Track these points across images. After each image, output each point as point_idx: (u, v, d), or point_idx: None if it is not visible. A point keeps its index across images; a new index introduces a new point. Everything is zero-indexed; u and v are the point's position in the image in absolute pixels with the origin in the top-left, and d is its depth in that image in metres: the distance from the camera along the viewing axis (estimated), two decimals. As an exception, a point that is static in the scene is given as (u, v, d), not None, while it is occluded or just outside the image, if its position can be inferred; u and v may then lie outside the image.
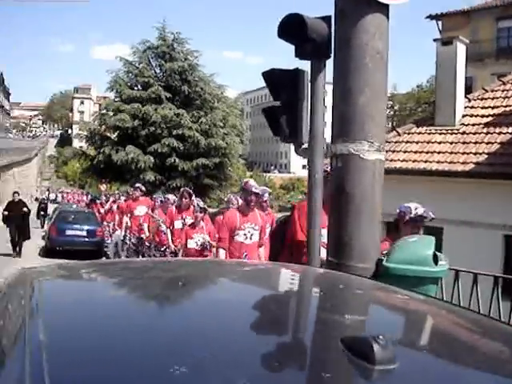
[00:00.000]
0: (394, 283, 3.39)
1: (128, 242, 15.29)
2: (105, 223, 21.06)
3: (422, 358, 1.43)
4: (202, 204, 10.25)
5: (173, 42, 30.84)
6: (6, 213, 19.29)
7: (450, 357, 1.45)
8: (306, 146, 5.20)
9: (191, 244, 9.59)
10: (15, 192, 20.89)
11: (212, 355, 1.28)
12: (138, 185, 15.74)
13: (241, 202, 8.52)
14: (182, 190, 11.83)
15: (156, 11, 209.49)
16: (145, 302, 1.88)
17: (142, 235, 13.65)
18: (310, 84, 5.06)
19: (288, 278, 2.51)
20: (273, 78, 5.34)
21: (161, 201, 13.27)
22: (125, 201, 17.58)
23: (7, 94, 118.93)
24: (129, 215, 15.25)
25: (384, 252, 3.96)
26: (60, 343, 1.35)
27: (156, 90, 28.86)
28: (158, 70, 31.24)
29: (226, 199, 11.38)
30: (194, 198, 11.32)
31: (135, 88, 30.50)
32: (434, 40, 14.64)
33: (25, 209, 19.48)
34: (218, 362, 1.26)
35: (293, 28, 4.83)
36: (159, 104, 28.79)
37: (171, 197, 12.87)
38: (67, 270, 2.48)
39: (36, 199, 36.45)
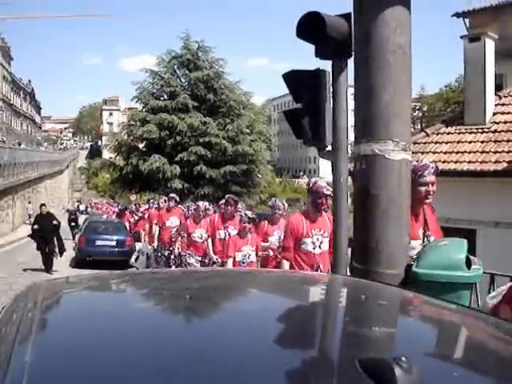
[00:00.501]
0: (425, 289, 3.20)
1: (159, 254, 14.63)
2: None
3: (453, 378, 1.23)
4: (250, 214, 9.77)
5: (197, 50, 31.01)
6: (36, 226, 17.69)
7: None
8: (329, 148, 5.05)
9: (239, 257, 8.85)
10: (42, 204, 19.74)
11: (225, 364, 1.23)
12: (172, 195, 15.22)
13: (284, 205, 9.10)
14: (226, 197, 10.57)
15: (180, 22, 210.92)
16: (153, 315, 1.74)
17: (172, 247, 13.17)
18: (331, 85, 4.91)
19: (311, 287, 2.37)
20: (294, 79, 5.19)
21: (194, 209, 12.84)
22: (157, 210, 16.45)
23: (38, 109, 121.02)
24: (159, 225, 14.63)
25: (413, 257, 3.76)
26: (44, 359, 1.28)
27: (183, 99, 28.96)
28: (183, 80, 31.44)
29: (270, 204, 10.07)
30: (239, 205, 10.74)
31: (161, 98, 30.66)
32: (461, 37, 14.27)
33: (54, 222, 18.12)
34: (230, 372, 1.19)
35: (312, 27, 4.67)
36: (186, 113, 28.92)
37: (201, 203, 11.83)
38: (76, 283, 2.40)
39: (67, 210, 36.38)
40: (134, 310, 1.80)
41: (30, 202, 46.96)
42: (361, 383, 1.11)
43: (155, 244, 14.80)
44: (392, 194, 3.62)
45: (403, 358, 1.08)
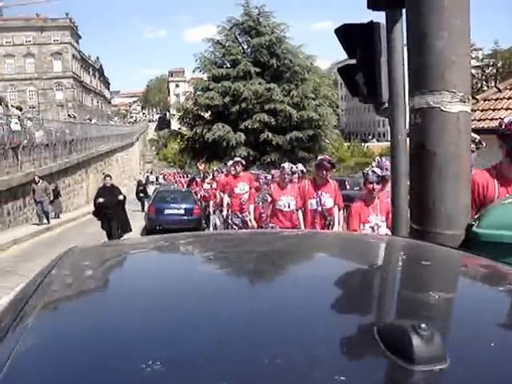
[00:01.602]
0: (488, 252, 2.96)
1: (230, 222, 13.59)
2: (203, 203, 20.98)
3: (491, 357, 1.02)
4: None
5: (258, 16, 30.63)
6: (101, 200, 15.44)
7: None
8: (386, 105, 4.81)
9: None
10: (106, 175, 17.20)
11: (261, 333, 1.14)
12: (237, 159, 13.83)
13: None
14: (320, 158, 8.91)
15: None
16: (206, 280, 1.60)
17: (244, 214, 12.43)
18: (386, 38, 4.64)
19: (364, 249, 2.22)
20: (346, 34, 4.96)
21: (272, 175, 11.97)
22: (225, 176, 15.03)
23: (107, 84, 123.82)
24: (228, 193, 13.43)
25: (475, 216, 3.51)
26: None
27: (245, 66, 28.83)
28: (245, 46, 31.19)
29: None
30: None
31: (224, 66, 30.58)
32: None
33: (120, 196, 16.01)
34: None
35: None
36: (249, 80, 28.78)
37: (287, 165, 9.70)
38: (118, 246, 2.36)
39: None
40: (179, 275, 1.69)
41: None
42: (375, 352, 0.96)
43: (224, 213, 13.71)
44: (450, 149, 3.35)
45: (423, 325, 0.91)
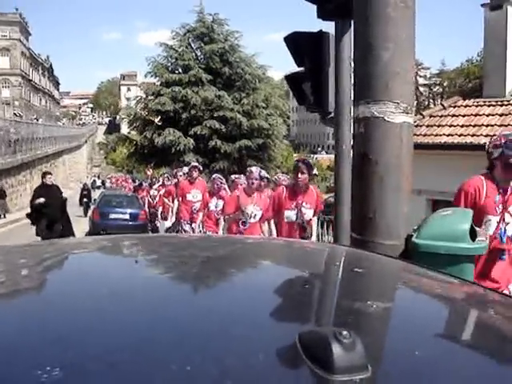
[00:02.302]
0: (425, 262, 2.98)
1: (180, 229, 12.77)
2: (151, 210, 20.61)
3: (414, 366, 0.98)
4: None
5: (212, 23, 30.62)
6: (41, 200, 12.93)
7: (460, 365, 1.02)
8: (332, 114, 4.83)
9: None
10: (47, 173, 14.62)
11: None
12: (195, 164, 13.18)
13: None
14: (295, 160, 8.25)
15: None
16: (131, 285, 1.52)
17: (193, 224, 12.11)
18: (334, 48, 4.67)
19: (305, 256, 2.19)
20: (295, 42, 4.96)
21: (233, 180, 10.96)
22: (175, 185, 14.48)
23: (57, 84, 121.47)
24: (178, 198, 12.72)
25: (414, 228, 3.54)
26: None
27: (196, 73, 28.79)
28: (198, 53, 31.15)
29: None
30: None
31: (176, 72, 30.44)
32: (482, 5, 13.76)
33: (63, 196, 14.23)
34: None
35: (313, -15, 4.44)
36: (200, 86, 28.70)
37: (255, 169, 8.59)
38: (36, 247, 2.21)
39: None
40: (102, 276, 1.58)
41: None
42: (295, 361, 0.91)
43: (172, 220, 13.21)
44: (391, 159, 3.37)
45: (344, 332, 0.87)
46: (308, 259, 2.16)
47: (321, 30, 4.81)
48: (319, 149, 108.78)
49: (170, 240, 2.67)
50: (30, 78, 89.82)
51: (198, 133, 27.73)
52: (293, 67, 5.27)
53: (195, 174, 12.30)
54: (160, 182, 20.44)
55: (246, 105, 28.82)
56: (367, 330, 1.16)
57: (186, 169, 15.32)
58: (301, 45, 4.90)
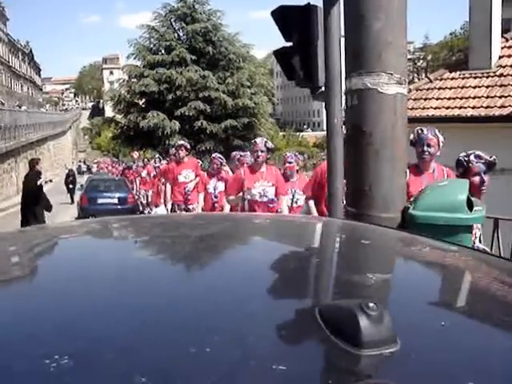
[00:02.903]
0: (424, 233, 2.97)
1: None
2: (142, 192, 20.19)
3: (443, 338, 0.95)
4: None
5: (193, 2, 30.28)
6: (44, 180, 13.17)
7: (486, 335, 1.00)
8: (323, 89, 4.76)
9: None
10: (33, 160, 14.43)
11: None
12: (181, 142, 11.92)
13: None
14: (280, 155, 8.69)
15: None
16: (133, 265, 1.49)
17: (191, 206, 10.92)
18: (323, 21, 4.59)
19: (301, 230, 2.15)
20: (283, 16, 4.86)
21: (234, 157, 10.33)
22: (167, 163, 13.55)
23: (38, 70, 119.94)
24: (169, 182, 11.56)
25: (411, 199, 3.52)
26: None
27: (180, 53, 28.57)
28: (181, 33, 30.86)
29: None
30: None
31: (159, 53, 30.17)
32: (466, -23, 13.68)
33: (39, 181, 13.27)
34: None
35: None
36: (184, 67, 28.50)
37: (260, 140, 7.64)
38: (39, 231, 2.17)
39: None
40: (101, 259, 1.54)
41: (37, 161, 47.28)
42: (318, 336, 0.87)
43: (168, 206, 11.71)
44: (386, 131, 3.34)
45: (371, 304, 0.83)
46: (311, 233, 2.13)
47: (308, 3, 4.72)
48: (305, 126, 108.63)
49: (166, 220, 2.63)
50: (10, 64, 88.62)
51: (184, 114, 27.57)
52: (275, 45, 5.19)
53: (182, 153, 11.19)
54: (156, 164, 19.11)
55: (231, 84, 28.69)
56: (387, 302, 1.12)
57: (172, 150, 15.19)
58: (288, 19, 4.81)
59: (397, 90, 3.32)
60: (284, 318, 1.00)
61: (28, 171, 13.55)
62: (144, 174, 19.61)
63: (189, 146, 11.56)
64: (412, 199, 3.52)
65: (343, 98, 4.22)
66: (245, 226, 2.20)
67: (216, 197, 10.11)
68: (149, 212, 16.78)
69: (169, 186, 11.56)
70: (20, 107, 56.49)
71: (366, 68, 3.31)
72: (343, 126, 4.37)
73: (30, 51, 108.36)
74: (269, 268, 1.45)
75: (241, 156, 9.73)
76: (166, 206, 12.04)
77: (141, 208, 19.59)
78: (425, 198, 3.40)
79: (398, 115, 3.37)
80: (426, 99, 13.30)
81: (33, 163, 13.59)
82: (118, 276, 1.30)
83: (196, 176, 10.93)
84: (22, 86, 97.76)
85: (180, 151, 11.17)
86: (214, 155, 10.79)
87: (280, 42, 5.08)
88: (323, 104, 5.00)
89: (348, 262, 1.54)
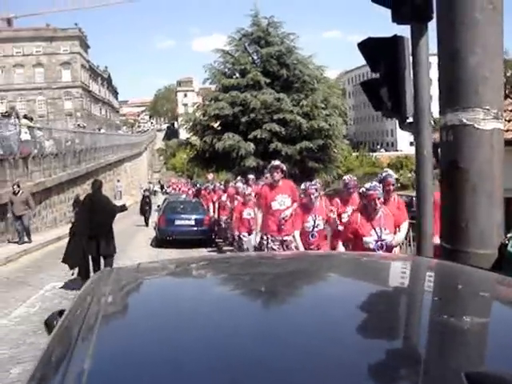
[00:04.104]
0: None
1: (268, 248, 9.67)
2: (223, 218, 18.39)
3: None
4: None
5: (267, 26, 30.61)
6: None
7: None
8: (410, 119, 4.73)
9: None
10: (96, 181, 12.40)
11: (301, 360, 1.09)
12: (276, 163, 9.73)
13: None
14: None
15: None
16: (227, 305, 1.59)
17: (287, 237, 9.26)
18: (411, 51, 4.58)
19: (398, 271, 2.15)
20: (370, 48, 4.88)
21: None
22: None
23: (115, 93, 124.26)
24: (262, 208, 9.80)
25: (508, 235, 3.44)
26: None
27: (254, 76, 28.81)
28: (255, 57, 31.15)
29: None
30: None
31: (233, 76, 30.61)
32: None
33: (111, 206, 11.97)
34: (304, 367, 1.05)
35: (388, -11, 4.37)
36: (258, 90, 28.74)
37: (348, 178, 9.05)
38: (148, 269, 2.34)
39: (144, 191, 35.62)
40: (204, 298, 1.68)
41: (119, 181, 49.26)
42: None
43: (257, 238, 9.95)
44: (482, 167, 3.29)
45: None
46: (416, 277, 2.11)
47: (395, 34, 4.72)
48: (378, 146, 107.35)
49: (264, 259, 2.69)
50: (90, 89, 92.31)
51: (258, 136, 27.76)
52: (347, 65, 5.19)
53: (277, 175, 9.42)
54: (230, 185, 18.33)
55: (305, 106, 28.69)
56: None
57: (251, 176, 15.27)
58: (376, 50, 4.82)
59: (493, 126, 3.28)
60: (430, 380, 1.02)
61: (93, 192, 11.93)
62: (224, 197, 18.27)
63: (285, 168, 9.81)
64: (509, 235, 3.44)
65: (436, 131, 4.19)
66: (343, 266, 2.21)
67: (313, 236, 8.46)
68: (233, 239, 15.54)
69: (260, 215, 9.92)
70: (100, 130, 58.57)
71: (462, 103, 3.28)
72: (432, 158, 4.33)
73: (109, 76, 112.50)
74: (382, 320, 1.45)
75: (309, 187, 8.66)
76: (255, 234, 10.41)
77: (222, 233, 18.70)
78: (524, 235, 3.32)
79: (495, 150, 3.32)
80: (509, 121, 12.92)
81: (97, 185, 12.04)
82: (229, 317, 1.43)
83: (293, 202, 9.35)
84: (100, 109, 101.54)
85: (275, 173, 9.41)
86: (306, 185, 8.66)
87: (352, 62, 5.10)
88: (397, 123, 4.97)
89: (462, 312, 1.51)
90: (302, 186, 8.70)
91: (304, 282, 1.89)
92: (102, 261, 11.00)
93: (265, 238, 9.56)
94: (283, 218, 9.34)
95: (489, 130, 3.26)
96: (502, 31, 3.31)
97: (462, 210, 3.34)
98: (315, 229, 8.44)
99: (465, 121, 3.26)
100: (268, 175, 10.39)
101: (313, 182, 8.94)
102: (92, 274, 9.55)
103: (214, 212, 20.24)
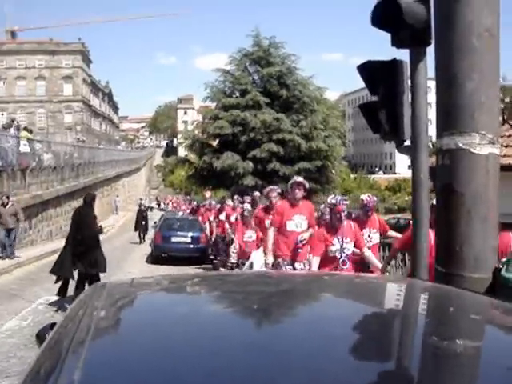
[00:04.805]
0: (516, 296, 2.88)
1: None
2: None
3: None
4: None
5: (268, 47, 30.85)
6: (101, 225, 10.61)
7: None
8: (408, 143, 4.76)
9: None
10: (87, 195, 11.77)
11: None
12: (299, 179, 8.47)
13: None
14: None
15: (253, 18, 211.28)
16: (220, 323, 1.60)
17: (299, 264, 8.18)
18: (410, 75, 4.62)
19: (392, 294, 2.16)
20: (369, 71, 4.93)
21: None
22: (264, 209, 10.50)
23: (116, 109, 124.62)
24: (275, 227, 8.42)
25: (503, 260, 3.45)
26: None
27: (254, 96, 28.97)
28: (255, 77, 31.36)
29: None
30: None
31: (233, 96, 30.76)
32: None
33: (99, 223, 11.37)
34: None
35: (387, 14, 4.42)
36: (258, 110, 28.89)
37: (365, 197, 8.34)
38: (141, 285, 2.33)
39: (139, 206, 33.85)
40: (195, 315, 1.69)
41: (117, 196, 49.44)
42: None
43: (270, 260, 8.41)
44: (478, 191, 3.31)
45: None
46: (410, 299, 2.12)
47: (395, 58, 4.77)
48: (376, 169, 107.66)
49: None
50: (91, 103, 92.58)
51: (257, 156, 27.86)
52: (347, 88, 5.24)
53: (299, 193, 8.20)
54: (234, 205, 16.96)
55: (305, 127, 28.83)
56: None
57: (247, 198, 14.73)
58: (375, 73, 4.87)
59: (489, 151, 3.30)
60: None
61: (83, 205, 11.26)
62: (222, 216, 17.40)
63: (307, 186, 8.52)
64: (504, 260, 3.45)
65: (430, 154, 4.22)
66: (337, 288, 2.22)
67: (344, 263, 7.36)
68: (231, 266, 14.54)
69: (271, 234, 8.51)
70: (99, 144, 58.75)
71: (459, 128, 3.31)
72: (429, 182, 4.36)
73: (110, 91, 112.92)
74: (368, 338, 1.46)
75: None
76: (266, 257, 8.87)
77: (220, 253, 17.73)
78: (518, 260, 3.33)
79: (491, 175, 3.34)
80: (507, 146, 12.97)
81: (89, 198, 11.29)
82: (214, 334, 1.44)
83: (309, 226, 8.28)
84: (100, 124, 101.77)
85: (297, 190, 8.16)
86: (337, 200, 7.62)
87: (352, 84, 5.15)
88: (395, 146, 5.01)
89: (453, 335, 1.51)
90: (331, 200, 7.57)
91: (298, 303, 1.90)
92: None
93: (276, 261, 8.36)
94: (301, 242, 8.07)
95: (484, 154, 3.28)
96: (498, 57, 3.36)
97: (456, 233, 3.35)
98: (343, 254, 7.25)
99: (461, 145, 3.28)
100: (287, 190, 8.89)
101: (344, 197, 8.07)
102: (74, 290, 9.78)
103: (211, 231, 19.84)
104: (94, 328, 1.48)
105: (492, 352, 1.37)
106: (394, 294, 2.18)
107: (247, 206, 13.70)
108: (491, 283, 3.35)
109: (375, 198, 8.69)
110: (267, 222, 8.95)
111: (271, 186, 9.52)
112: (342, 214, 7.21)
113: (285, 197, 9.15)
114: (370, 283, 2.41)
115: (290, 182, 8.51)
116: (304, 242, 8.11)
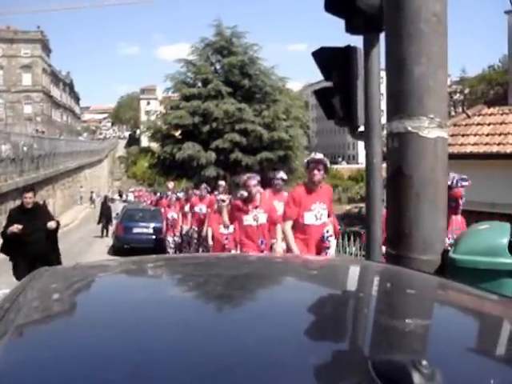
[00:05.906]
0: (463, 277, 2.95)
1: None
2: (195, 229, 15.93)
3: None
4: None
5: (230, 36, 30.79)
6: (18, 227, 8.56)
7: None
8: (362, 128, 4.82)
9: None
10: (27, 188, 10.41)
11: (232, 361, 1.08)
12: (318, 156, 6.98)
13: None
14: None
15: (217, 8, 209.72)
16: (169, 305, 1.56)
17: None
18: (363, 62, 4.67)
19: (341, 273, 2.18)
20: (323, 57, 4.97)
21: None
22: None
23: (77, 100, 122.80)
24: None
25: (450, 242, 3.51)
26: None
27: (216, 86, 28.92)
28: (217, 66, 31.29)
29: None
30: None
31: (196, 86, 30.65)
32: (506, 12, 13.64)
33: (50, 223, 9.01)
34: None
35: (341, 0, 4.46)
36: (220, 99, 28.85)
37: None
38: (86, 269, 2.27)
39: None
40: (141, 299, 1.62)
41: (81, 187, 48.71)
42: None
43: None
44: (426, 174, 3.36)
45: (424, 362, 0.87)
46: (354, 278, 2.15)
47: (349, 45, 4.81)
48: (340, 159, 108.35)
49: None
50: (51, 94, 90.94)
51: (220, 146, 27.84)
52: (311, 78, 5.28)
53: (319, 174, 6.78)
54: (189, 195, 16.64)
55: (267, 117, 28.90)
56: (438, 357, 1.14)
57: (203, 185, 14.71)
58: (329, 59, 4.91)
59: (437, 134, 3.35)
60: (336, 369, 1.04)
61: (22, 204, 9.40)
62: (187, 208, 16.26)
63: (328, 164, 7.11)
64: (452, 242, 3.52)
65: (383, 139, 4.27)
66: (292, 269, 2.23)
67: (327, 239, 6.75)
68: None
69: (289, 229, 7.00)
70: (60, 136, 57.84)
71: (407, 112, 3.35)
72: (383, 166, 4.42)
73: (71, 81, 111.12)
74: (319, 317, 1.48)
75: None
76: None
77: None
78: (465, 242, 3.39)
79: (439, 158, 3.39)
80: (463, 135, 13.21)
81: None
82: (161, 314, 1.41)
83: (328, 216, 7.17)
84: (61, 115, 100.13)
85: (315, 171, 6.69)
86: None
87: (316, 75, 5.19)
88: (348, 132, 5.06)
89: (392, 310, 1.56)
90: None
91: (255, 285, 1.88)
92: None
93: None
94: (327, 239, 6.67)
95: (433, 138, 3.33)
96: (446, 42, 3.40)
97: (405, 216, 3.40)
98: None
99: (409, 128, 3.33)
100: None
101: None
102: None
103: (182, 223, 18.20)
104: (23, 314, 1.43)
105: (442, 328, 1.39)
106: (348, 275, 2.20)
107: (221, 197, 13.33)
108: (440, 264, 3.41)
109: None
110: (250, 215, 7.93)
111: (249, 174, 8.36)
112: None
113: (264, 185, 8.97)
114: (325, 265, 2.43)
115: (306, 159, 7.19)
116: (331, 239, 6.75)
